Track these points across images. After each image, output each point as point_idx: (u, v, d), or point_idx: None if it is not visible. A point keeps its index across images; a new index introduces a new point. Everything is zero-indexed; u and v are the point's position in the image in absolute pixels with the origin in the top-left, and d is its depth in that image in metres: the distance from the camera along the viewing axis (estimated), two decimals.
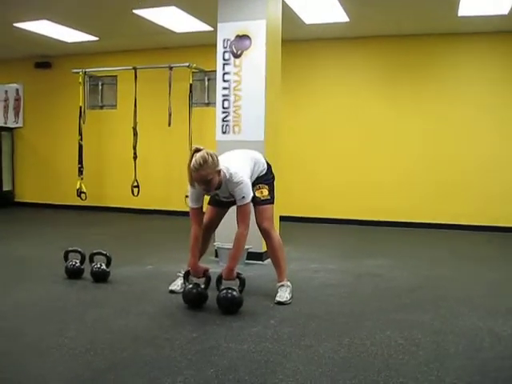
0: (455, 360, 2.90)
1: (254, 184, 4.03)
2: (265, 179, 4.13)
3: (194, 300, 3.84)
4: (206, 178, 3.63)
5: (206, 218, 4.15)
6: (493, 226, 7.69)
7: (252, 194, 3.87)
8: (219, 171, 3.73)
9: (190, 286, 3.86)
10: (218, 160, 3.70)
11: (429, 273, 5.19)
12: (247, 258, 5.37)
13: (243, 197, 3.78)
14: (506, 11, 6.57)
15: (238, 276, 3.85)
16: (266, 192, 4.07)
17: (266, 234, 4.11)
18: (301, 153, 8.58)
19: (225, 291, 3.73)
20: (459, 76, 7.96)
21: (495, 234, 7.51)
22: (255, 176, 4.08)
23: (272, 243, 4.13)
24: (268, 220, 4.09)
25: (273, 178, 4.23)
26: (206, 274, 3.94)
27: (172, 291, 4.21)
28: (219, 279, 3.88)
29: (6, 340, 3.14)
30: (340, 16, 7.07)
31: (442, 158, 8.00)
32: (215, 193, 3.94)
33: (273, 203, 4.15)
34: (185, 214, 7.72)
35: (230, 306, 3.72)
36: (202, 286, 3.88)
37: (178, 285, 4.25)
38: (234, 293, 3.73)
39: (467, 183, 7.87)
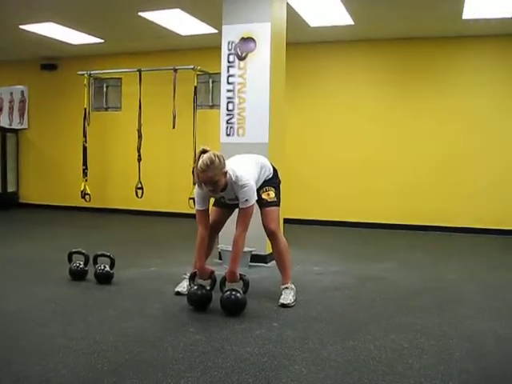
0: (460, 364, 2.88)
1: (260, 187, 4.07)
2: (271, 182, 4.15)
3: (199, 301, 3.84)
4: (213, 179, 3.66)
5: (210, 220, 4.14)
6: (499, 228, 7.65)
7: (256, 198, 3.89)
8: (225, 173, 3.74)
9: (195, 287, 3.87)
10: (224, 161, 3.72)
11: (433, 276, 5.17)
12: (251, 261, 5.36)
13: (246, 200, 3.78)
14: (510, 14, 6.56)
15: (242, 278, 3.86)
16: (272, 194, 4.08)
17: (272, 236, 4.12)
18: (305, 155, 8.58)
19: (228, 293, 3.73)
20: (464, 79, 7.94)
21: (502, 237, 7.47)
22: (262, 180, 4.10)
23: (278, 246, 4.13)
24: (274, 222, 4.10)
25: (279, 181, 4.26)
26: (211, 275, 3.95)
27: (178, 293, 4.21)
28: (223, 281, 3.88)
29: (9, 341, 3.14)
30: (345, 19, 7.06)
31: (448, 161, 7.98)
32: (221, 195, 3.94)
33: (279, 206, 4.16)
34: (188, 216, 7.80)
35: (234, 308, 3.72)
36: (207, 288, 3.89)
37: (183, 286, 4.25)
38: (238, 294, 3.73)
39: (476, 185, 7.83)
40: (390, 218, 8.17)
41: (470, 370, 2.80)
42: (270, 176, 4.17)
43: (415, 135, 8.13)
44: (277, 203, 4.12)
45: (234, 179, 3.79)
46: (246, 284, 3.84)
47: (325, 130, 8.55)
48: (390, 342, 3.20)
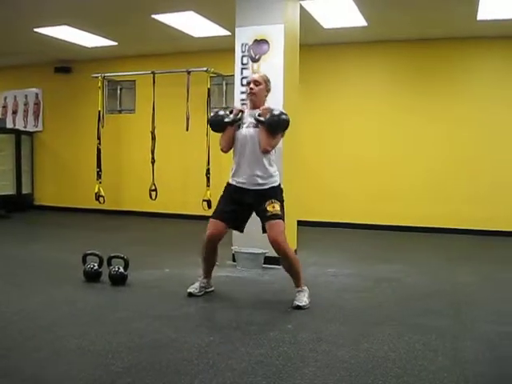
0: (475, 366, 2.86)
1: (266, 198, 4.04)
2: (278, 196, 4.11)
3: None
4: (257, 81, 4.14)
5: (209, 231, 4.17)
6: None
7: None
8: (266, 94, 4.21)
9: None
10: (269, 87, 4.24)
11: (447, 277, 5.15)
12: (264, 263, 5.36)
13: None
14: None
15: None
16: (277, 207, 4.02)
17: (280, 249, 4.02)
18: (319, 157, 8.57)
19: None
20: (478, 80, 7.90)
21: None
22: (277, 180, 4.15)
23: (288, 258, 4.07)
24: (282, 234, 4.02)
25: (283, 200, 4.17)
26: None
27: (190, 294, 4.22)
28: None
29: (25, 342, 3.16)
30: (358, 20, 7.05)
31: (463, 163, 7.94)
32: (243, 116, 4.18)
33: (284, 220, 4.08)
34: (202, 218, 7.78)
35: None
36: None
37: (196, 287, 4.26)
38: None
39: (489, 188, 7.79)
40: (404, 220, 8.13)
41: (485, 374, 2.79)
42: (277, 185, 4.15)
43: (430, 137, 8.09)
44: (281, 217, 4.04)
45: (272, 107, 4.10)
46: None
47: (339, 132, 8.53)
48: (403, 344, 3.19)
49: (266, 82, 4.20)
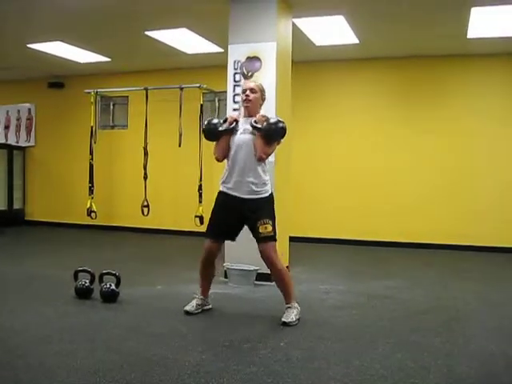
0: None
1: (258, 217, 4.01)
2: (270, 213, 4.08)
3: None
4: (253, 89, 4.14)
5: (205, 247, 4.18)
6: (507, 247, 7.62)
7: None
8: (262, 103, 4.22)
9: None
10: (264, 97, 4.27)
11: (440, 294, 5.15)
12: (256, 279, 5.35)
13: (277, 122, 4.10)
14: None
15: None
16: (269, 228, 4.00)
17: (272, 265, 4.05)
18: (310, 173, 8.59)
19: None
20: (468, 97, 7.97)
21: (509, 255, 7.43)
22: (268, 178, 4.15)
23: (278, 273, 4.08)
24: (274, 252, 4.05)
25: (274, 210, 4.15)
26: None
27: (187, 312, 4.19)
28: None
29: (15, 359, 3.13)
30: (350, 38, 7.11)
31: (450, 179, 8.00)
32: (238, 123, 4.15)
33: (276, 240, 4.08)
34: (194, 234, 7.78)
35: None
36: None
37: (193, 305, 4.22)
38: None
39: (480, 204, 7.83)
40: (396, 236, 8.15)
41: None
42: (270, 195, 4.13)
43: (421, 153, 8.14)
44: (274, 238, 4.04)
45: (269, 116, 4.14)
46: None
47: (330, 148, 8.57)
48: (396, 362, 3.18)
49: (262, 90, 4.21)
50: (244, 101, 4.17)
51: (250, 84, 4.24)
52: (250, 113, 4.16)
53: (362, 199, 8.36)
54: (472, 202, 7.88)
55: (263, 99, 4.24)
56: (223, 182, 4.16)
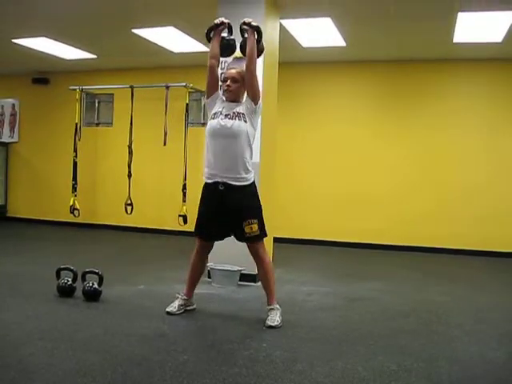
0: None
1: (244, 217, 3.96)
2: (255, 209, 4.03)
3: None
4: (234, 77, 4.04)
5: (196, 245, 4.17)
6: (487, 250, 7.71)
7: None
8: (244, 91, 4.06)
9: None
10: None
11: (422, 297, 5.17)
12: (240, 280, 5.34)
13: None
14: (499, 39, 6.65)
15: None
16: (255, 227, 3.96)
17: (259, 258, 4.06)
18: (295, 175, 8.60)
19: None
20: (455, 101, 8.04)
21: (489, 259, 7.51)
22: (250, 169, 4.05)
23: (264, 266, 4.07)
24: (262, 249, 4.06)
25: (259, 200, 4.09)
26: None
27: (169, 313, 4.15)
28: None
29: None
30: (337, 40, 7.13)
31: (432, 183, 8.08)
32: (222, 106, 4.08)
33: (263, 237, 4.06)
34: (178, 233, 7.76)
35: None
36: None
37: (175, 306, 4.19)
38: None
39: (456, 207, 7.94)
40: (381, 239, 8.19)
41: None
42: (252, 183, 4.05)
43: (405, 154, 8.21)
44: (261, 236, 4.02)
45: (246, 101, 4.03)
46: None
47: (315, 148, 8.59)
48: (378, 364, 3.19)
49: (242, 73, 4.08)
50: (225, 91, 4.11)
51: (232, 72, 4.13)
52: (232, 100, 4.09)
53: (347, 201, 8.38)
54: (455, 207, 7.95)
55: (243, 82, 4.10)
56: (206, 167, 4.07)
